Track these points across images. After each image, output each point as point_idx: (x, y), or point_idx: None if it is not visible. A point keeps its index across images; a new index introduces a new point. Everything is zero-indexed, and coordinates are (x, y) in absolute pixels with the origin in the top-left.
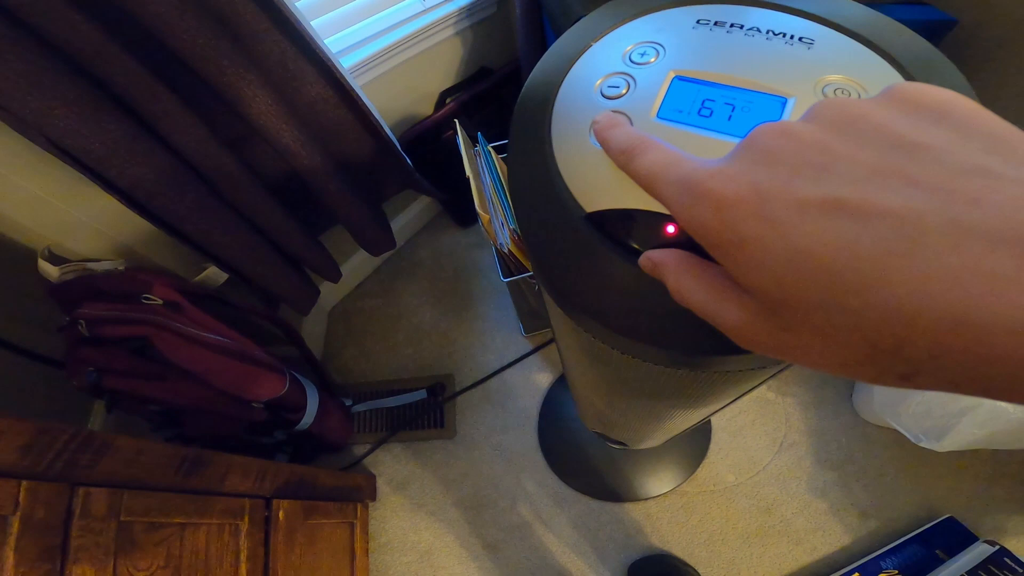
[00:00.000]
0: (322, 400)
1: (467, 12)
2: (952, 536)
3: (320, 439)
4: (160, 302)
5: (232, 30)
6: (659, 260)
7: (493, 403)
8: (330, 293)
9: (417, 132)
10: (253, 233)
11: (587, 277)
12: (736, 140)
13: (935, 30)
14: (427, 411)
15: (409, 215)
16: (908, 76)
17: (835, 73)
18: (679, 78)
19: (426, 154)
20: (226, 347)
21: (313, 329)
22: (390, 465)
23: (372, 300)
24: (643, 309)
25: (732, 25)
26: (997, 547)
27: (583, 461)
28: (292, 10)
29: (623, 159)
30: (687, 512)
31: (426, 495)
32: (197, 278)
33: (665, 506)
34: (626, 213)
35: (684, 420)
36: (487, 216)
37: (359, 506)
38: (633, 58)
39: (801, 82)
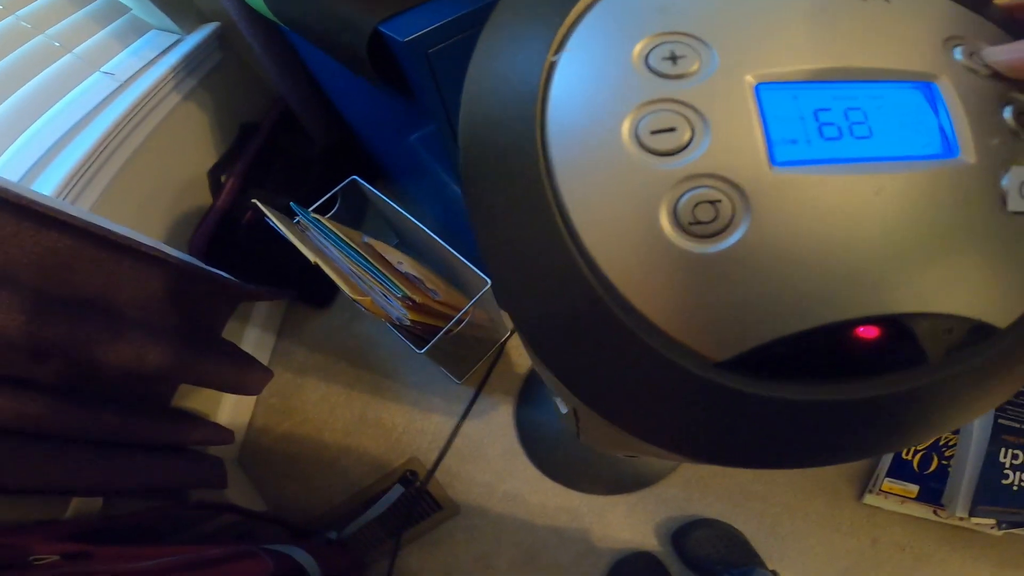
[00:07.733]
0: (311, 550)
1: (184, 70)
2: None
3: None
4: (56, 557)
5: None
6: None
7: (472, 460)
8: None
9: (207, 232)
10: (103, 455)
11: (715, 423)
12: (894, 163)
13: None
14: (416, 502)
15: (256, 328)
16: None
17: (948, 30)
18: (763, 86)
19: (235, 251)
20: (177, 564)
21: (240, 489)
22: (419, 568)
23: (275, 431)
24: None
25: None
26: None
27: (594, 469)
28: None
29: None
30: (711, 472)
31: None
32: (66, 515)
33: (694, 471)
34: (794, 339)
35: None
36: (367, 298)
37: None
38: (659, 68)
39: (924, 50)
